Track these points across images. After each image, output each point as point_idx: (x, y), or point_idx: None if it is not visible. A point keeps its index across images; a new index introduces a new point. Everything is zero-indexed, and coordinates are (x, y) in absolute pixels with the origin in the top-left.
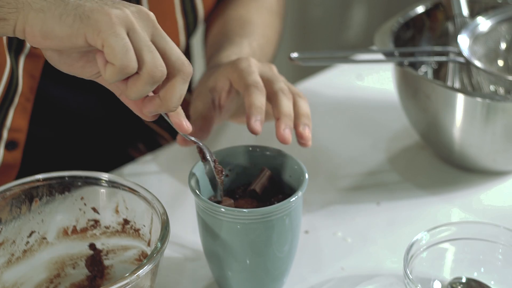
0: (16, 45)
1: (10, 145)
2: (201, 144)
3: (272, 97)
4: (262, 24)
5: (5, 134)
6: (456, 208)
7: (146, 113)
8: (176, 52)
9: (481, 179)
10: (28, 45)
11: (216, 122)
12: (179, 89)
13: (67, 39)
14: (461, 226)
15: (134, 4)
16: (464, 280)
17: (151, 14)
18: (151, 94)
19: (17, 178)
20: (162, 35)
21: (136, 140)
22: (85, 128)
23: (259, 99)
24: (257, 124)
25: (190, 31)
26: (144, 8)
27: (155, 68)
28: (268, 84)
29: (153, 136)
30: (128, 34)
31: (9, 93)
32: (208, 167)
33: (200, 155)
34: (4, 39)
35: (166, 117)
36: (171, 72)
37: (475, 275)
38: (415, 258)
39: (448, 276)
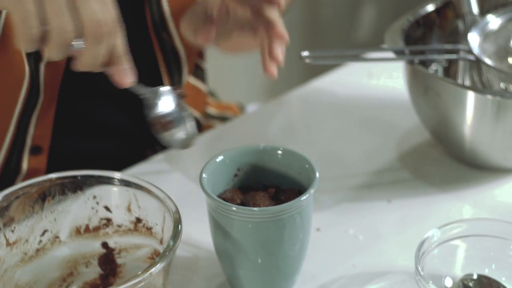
0: (34, 54)
1: (34, 150)
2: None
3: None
4: None
5: (28, 141)
6: (467, 205)
7: (73, 66)
8: (87, 13)
9: (492, 176)
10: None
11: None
12: (91, 49)
13: None
14: (472, 223)
15: None
16: (475, 277)
17: None
18: None
19: None
20: None
21: (155, 144)
22: (107, 135)
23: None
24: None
25: None
26: None
27: (61, 33)
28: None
29: None
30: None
31: (31, 101)
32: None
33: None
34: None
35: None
36: (84, 32)
37: (486, 272)
38: (427, 255)
39: (459, 273)
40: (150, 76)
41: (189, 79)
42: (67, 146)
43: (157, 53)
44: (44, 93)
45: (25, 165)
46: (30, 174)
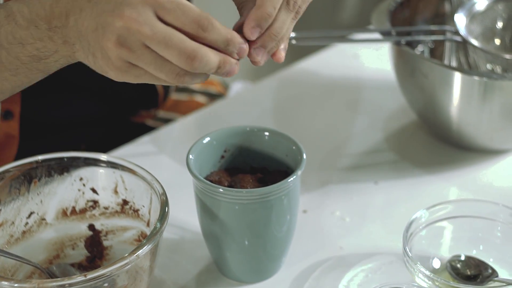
0: None
1: (6, 115)
2: None
3: None
4: None
5: None
6: (454, 186)
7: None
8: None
9: (479, 158)
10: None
11: None
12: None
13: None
14: (460, 204)
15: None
16: (463, 258)
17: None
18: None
19: (19, 152)
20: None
21: (137, 108)
22: (83, 97)
23: (274, 3)
24: (254, 33)
25: None
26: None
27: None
28: None
29: (154, 104)
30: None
31: None
32: None
33: None
34: None
35: None
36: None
37: (474, 253)
38: (414, 236)
39: (447, 254)
40: None
41: None
42: (39, 112)
43: None
44: None
45: None
46: (4, 140)
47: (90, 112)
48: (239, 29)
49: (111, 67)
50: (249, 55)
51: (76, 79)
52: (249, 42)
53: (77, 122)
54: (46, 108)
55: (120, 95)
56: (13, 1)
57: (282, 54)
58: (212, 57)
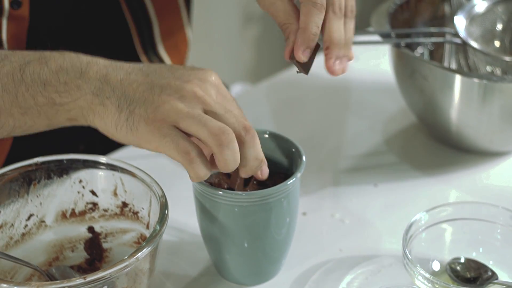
0: None
1: None
2: None
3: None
4: None
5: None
6: (454, 189)
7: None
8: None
9: (478, 160)
10: (7, 7)
11: None
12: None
13: (130, 144)
14: (460, 207)
15: (192, 71)
16: (462, 260)
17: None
18: None
19: (12, 150)
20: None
21: None
22: None
23: (316, 21)
24: (305, 54)
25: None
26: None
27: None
28: None
29: None
30: (178, 126)
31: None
32: None
33: None
34: None
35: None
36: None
37: (473, 255)
38: (414, 239)
39: (447, 256)
40: (119, 34)
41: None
42: None
43: (125, 10)
44: (8, 48)
45: None
46: None
47: None
48: (290, 55)
49: (148, 121)
50: (330, 69)
51: None
52: (326, 58)
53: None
54: None
55: None
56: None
57: (342, 65)
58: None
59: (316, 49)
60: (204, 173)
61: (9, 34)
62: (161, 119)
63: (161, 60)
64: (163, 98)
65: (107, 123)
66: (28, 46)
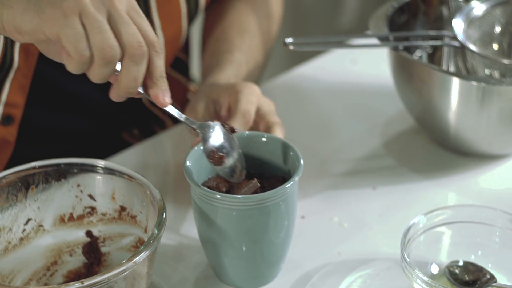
0: None
1: (6, 120)
2: (195, 125)
3: (268, 130)
4: (260, 33)
5: (0, 108)
6: (452, 192)
7: (110, 96)
8: (128, 33)
9: (477, 163)
10: None
11: None
12: (130, 71)
13: (34, 34)
14: (458, 210)
15: None
16: (461, 264)
17: None
18: None
19: (13, 157)
20: (117, 15)
21: (131, 125)
22: (82, 110)
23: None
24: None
25: (191, 18)
26: None
27: (103, 49)
28: (264, 116)
29: (148, 121)
30: (81, 20)
31: (4, 67)
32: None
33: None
34: None
35: (141, 91)
36: (124, 53)
37: (472, 258)
38: (412, 242)
39: (445, 260)
40: None
41: (169, 71)
42: (38, 120)
43: None
44: (19, 60)
45: None
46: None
47: (85, 125)
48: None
49: (55, 6)
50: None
51: (79, 93)
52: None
53: (71, 132)
54: (46, 115)
55: (118, 115)
56: None
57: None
58: None
59: None
60: (78, 71)
61: (21, 46)
62: (67, 7)
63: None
64: None
65: (14, 10)
66: (41, 61)
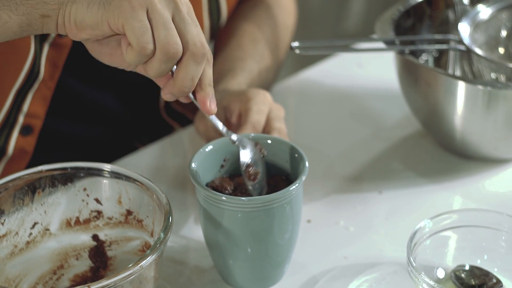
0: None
1: (25, 130)
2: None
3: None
4: (273, 42)
5: (21, 118)
6: (458, 196)
7: (163, 95)
8: (192, 33)
9: (483, 167)
10: (53, 34)
11: None
12: (189, 70)
13: (96, 27)
14: (464, 214)
15: None
16: (467, 268)
17: None
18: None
19: (28, 166)
20: (181, 15)
21: (144, 134)
22: (98, 119)
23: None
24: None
25: (214, 32)
26: None
27: (167, 45)
28: (269, 121)
29: (161, 131)
30: (148, 15)
31: (30, 79)
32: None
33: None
34: None
35: (191, 96)
36: (184, 52)
37: (478, 263)
38: (419, 246)
39: (451, 264)
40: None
41: None
42: (56, 129)
43: None
44: (44, 72)
45: (11, 146)
46: (17, 155)
47: (99, 134)
48: None
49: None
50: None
51: (97, 104)
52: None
53: (85, 141)
54: (64, 124)
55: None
56: None
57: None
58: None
59: None
60: (136, 63)
61: (48, 59)
62: (136, 1)
63: None
64: None
65: (78, 4)
66: (63, 72)
